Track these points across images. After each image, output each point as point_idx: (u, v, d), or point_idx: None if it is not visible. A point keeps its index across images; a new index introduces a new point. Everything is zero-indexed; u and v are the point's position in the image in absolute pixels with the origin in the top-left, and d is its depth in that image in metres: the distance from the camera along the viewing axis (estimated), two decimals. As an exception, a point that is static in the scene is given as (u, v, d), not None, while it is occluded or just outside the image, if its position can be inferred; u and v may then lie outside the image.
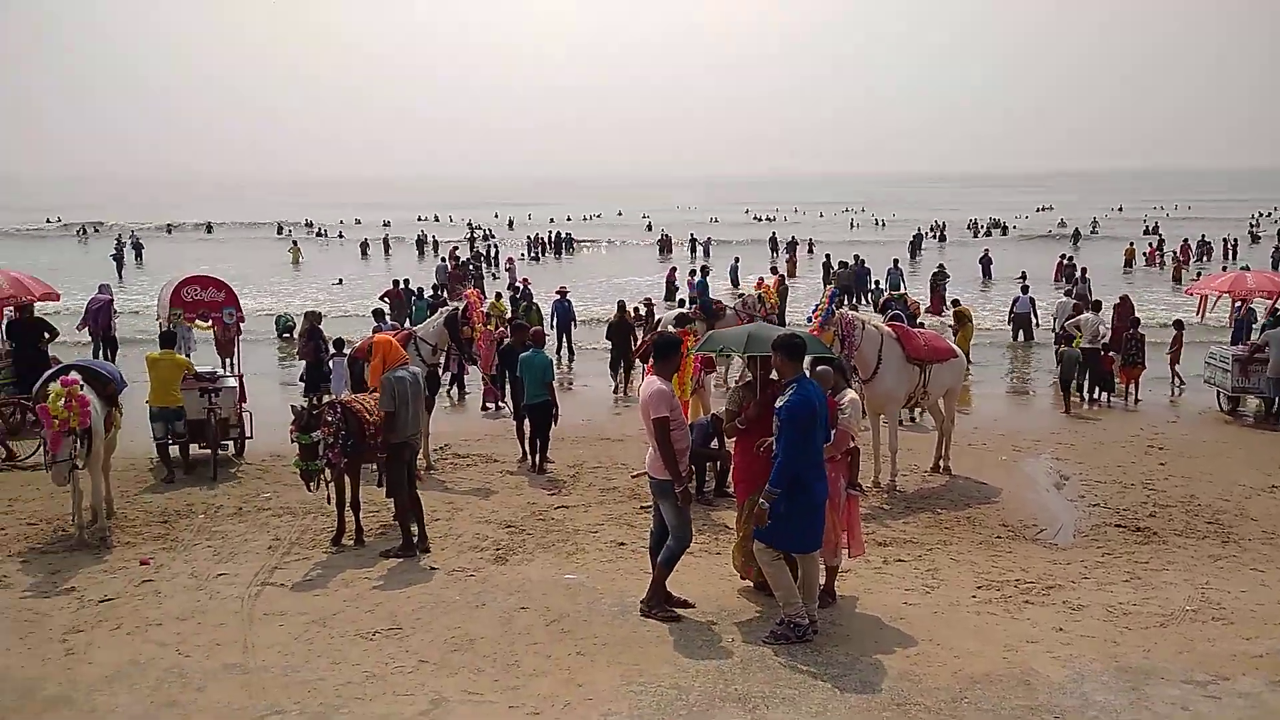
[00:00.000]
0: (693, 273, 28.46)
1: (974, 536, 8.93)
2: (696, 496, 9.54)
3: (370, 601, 7.15)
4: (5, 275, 14.02)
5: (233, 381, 12.49)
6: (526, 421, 11.47)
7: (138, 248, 47.27)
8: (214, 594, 7.32)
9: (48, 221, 75.82)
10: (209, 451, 11.21)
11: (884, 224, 70.68)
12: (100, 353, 17.57)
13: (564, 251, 53.57)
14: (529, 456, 11.46)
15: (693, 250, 52.25)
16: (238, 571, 7.81)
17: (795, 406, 6.22)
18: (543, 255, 51.28)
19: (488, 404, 15.43)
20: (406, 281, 24.58)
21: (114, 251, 42.24)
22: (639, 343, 15.60)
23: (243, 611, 6.96)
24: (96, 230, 68.03)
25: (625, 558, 8.16)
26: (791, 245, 45.24)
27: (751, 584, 7.24)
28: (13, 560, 8.12)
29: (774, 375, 6.92)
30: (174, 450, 11.23)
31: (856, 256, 31.45)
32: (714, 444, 10.08)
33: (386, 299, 22.51)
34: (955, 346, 12.03)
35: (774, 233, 52.96)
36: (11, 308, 13.86)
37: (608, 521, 9.24)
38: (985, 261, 35.14)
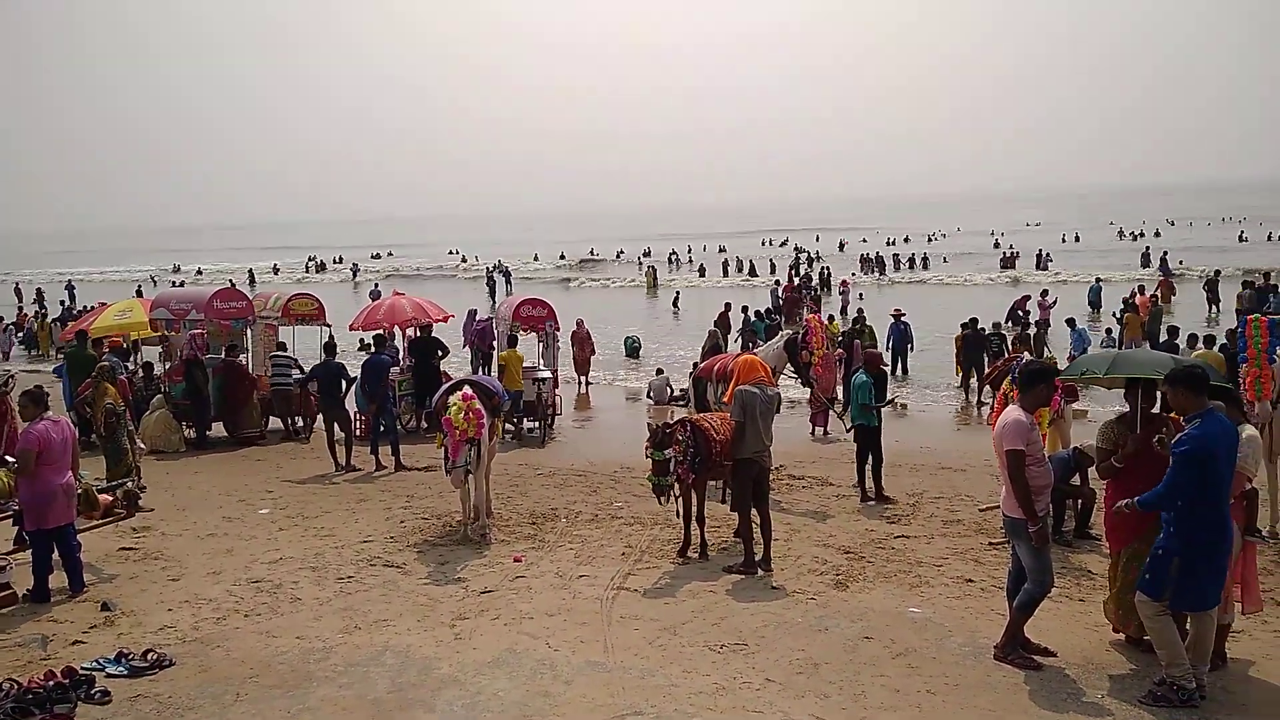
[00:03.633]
0: (1044, 293, 26.59)
1: None
2: (1054, 537, 8.89)
3: (716, 614, 7.38)
4: (409, 300, 16.31)
5: (548, 374, 15.93)
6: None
7: (506, 275, 52.68)
8: (576, 593, 7.92)
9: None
10: (538, 423, 15.26)
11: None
12: (480, 368, 19.75)
13: (895, 271, 52.16)
14: (861, 483, 11.20)
15: (1037, 266, 48.79)
16: (596, 574, 8.39)
17: (1192, 442, 5.60)
18: (873, 274, 50.32)
19: (816, 427, 15.40)
20: (745, 308, 25.11)
21: (486, 279, 47.60)
22: (989, 368, 14.81)
23: (602, 612, 7.46)
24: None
25: (974, 595, 7.77)
26: (1165, 263, 40.46)
27: (1125, 638, 6.61)
28: (411, 550, 9.29)
29: (1156, 409, 6.29)
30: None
31: (1268, 274, 27.28)
32: (1075, 480, 9.34)
33: (716, 321, 23.17)
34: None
35: (1147, 248, 47.75)
36: (414, 328, 16.03)
37: (953, 555, 8.85)
38: None
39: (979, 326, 18.91)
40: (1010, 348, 16.79)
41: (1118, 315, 23.76)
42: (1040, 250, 52.24)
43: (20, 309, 34.00)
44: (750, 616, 7.32)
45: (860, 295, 37.51)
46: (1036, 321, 24.66)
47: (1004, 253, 54.75)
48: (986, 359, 17.92)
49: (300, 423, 15.66)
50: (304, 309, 16.79)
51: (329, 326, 16.94)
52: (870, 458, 10.99)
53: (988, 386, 14.41)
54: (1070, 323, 20.70)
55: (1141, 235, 67.52)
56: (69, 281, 50.95)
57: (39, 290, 47.17)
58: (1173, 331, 17.77)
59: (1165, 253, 43.70)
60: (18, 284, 54.95)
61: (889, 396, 11.57)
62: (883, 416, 11.40)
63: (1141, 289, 26.18)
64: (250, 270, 65.36)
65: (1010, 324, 24.02)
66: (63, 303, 39.58)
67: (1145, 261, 44.35)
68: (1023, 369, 6.92)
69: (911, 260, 55.96)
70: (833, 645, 6.75)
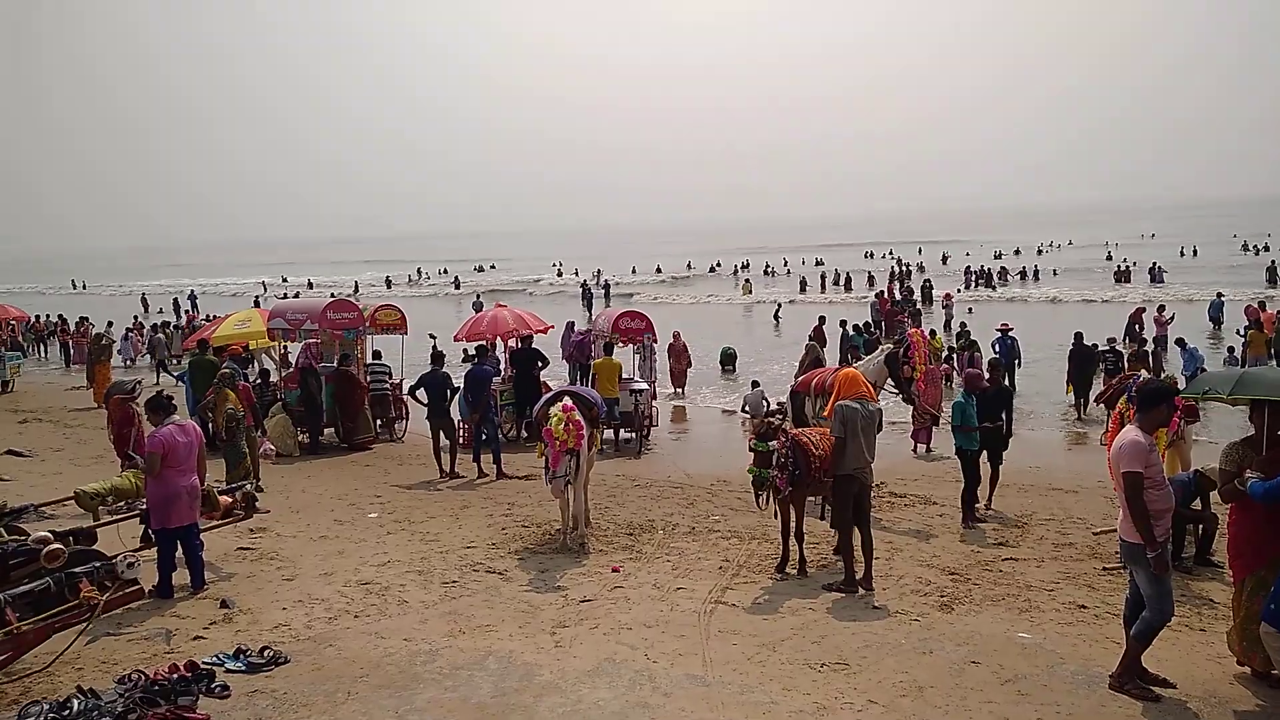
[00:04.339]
0: (1161, 308, 25.46)
1: None
2: (1175, 564, 8.50)
3: (816, 633, 7.30)
4: (510, 312, 16.66)
5: (645, 385, 16.33)
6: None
7: (606, 289, 53.21)
8: (674, 606, 7.93)
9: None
10: (635, 434, 15.51)
11: None
12: (578, 380, 19.97)
13: (1004, 284, 50.67)
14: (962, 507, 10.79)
15: (1152, 280, 46.79)
16: (694, 587, 8.39)
17: None
18: (979, 288, 49.04)
19: (919, 444, 15.07)
20: (842, 321, 24.79)
21: (583, 292, 48.14)
22: (1104, 386, 14.25)
23: (700, 626, 7.46)
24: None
25: (1087, 622, 7.49)
26: (1291, 275, 38.28)
27: (1250, 671, 6.28)
28: (512, 556, 9.46)
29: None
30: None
31: None
32: (1196, 505, 8.93)
33: (812, 335, 22.92)
34: None
35: (1273, 262, 45.19)
36: (515, 339, 16.35)
37: (1064, 580, 8.55)
38: None
39: (1086, 342, 18.30)
40: (1126, 365, 16.16)
41: (1241, 332, 22.59)
42: (1155, 264, 50.09)
43: (136, 319, 35.89)
44: (851, 636, 7.22)
45: (970, 310, 36.64)
46: (1154, 338, 23.61)
47: (1118, 266, 52.69)
48: (1103, 376, 17.30)
49: (398, 425, 16.68)
50: (388, 319, 17.40)
51: (405, 334, 17.70)
52: (971, 480, 10.67)
53: (1102, 405, 13.87)
54: (1180, 342, 19.77)
55: (1266, 249, 63.99)
56: (191, 292, 53.51)
57: (175, 300, 49.26)
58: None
59: (1291, 265, 41.41)
60: (144, 294, 58.03)
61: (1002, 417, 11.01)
62: (1000, 437, 10.96)
63: (1263, 305, 24.80)
64: (355, 282, 67.57)
65: (1127, 340, 23.07)
66: (186, 312, 41.64)
67: (1272, 278, 42.00)
68: (1140, 388, 6.68)
69: (1022, 273, 54.31)
70: (938, 668, 6.60)
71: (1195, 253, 65.32)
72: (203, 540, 8.58)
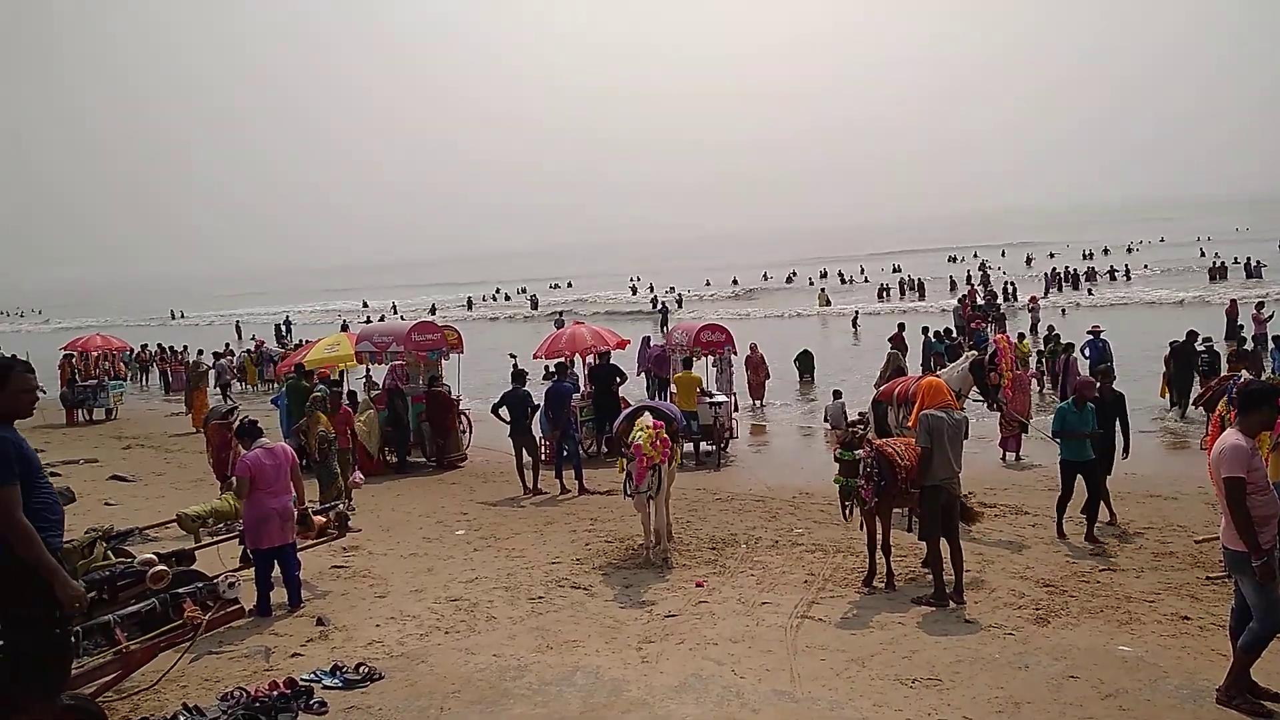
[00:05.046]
0: (1260, 305, 24.42)
1: None
2: (1283, 572, 8.14)
3: (907, 647, 7.18)
4: (588, 329, 16.85)
5: (724, 398, 16.31)
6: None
7: (679, 301, 53.39)
8: (760, 620, 7.88)
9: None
10: (714, 447, 15.56)
11: None
12: (656, 394, 20.05)
13: (1079, 286, 49.13)
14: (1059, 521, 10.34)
15: (1248, 276, 44.88)
16: (779, 602, 8.33)
17: None
18: (1064, 290, 47.70)
19: (1007, 452, 14.69)
20: (924, 328, 24.40)
21: (658, 309, 48.37)
22: (1203, 389, 13.71)
23: (786, 641, 7.40)
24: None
25: (1191, 634, 7.22)
26: None
27: (1371, 686, 5.98)
28: (596, 572, 9.51)
29: None
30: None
31: None
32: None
33: (892, 342, 22.56)
34: None
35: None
36: (593, 356, 16.50)
37: (1165, 591, 8.25)
38: None
39: (1178, 343, 17.70)
40: (1226, 365, 15.54)
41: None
42: (1250, 258, 48.00)
43: (227, 345, 37.20)
44: (943, 650, 7.07)
45: (1063, 312, 35.80)
46: (1254, 337, 22.63)
47: (1212, 263, 50.71)
48: (1199, 377, 16.65)
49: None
50: (448, 339, 17.53)
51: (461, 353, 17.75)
52: (1073, 493, 10.21)
53: (1200, 408, 13.35)
54: (1278, 339, 18.90)
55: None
56: (286, 317, 55.24)
57: (277, 326, 50.69)
58: None
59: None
60: (238, 321, 60.20)
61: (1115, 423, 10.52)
62: (1110, 449, 10.48)
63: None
64: (433, 304, 68.92)
65: (1228, 340, 22.18)
66: (281, 341, 43.03)
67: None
68: (1241, 389, 6.42)
69: (1111, 272, 52.68)
70: (1035, 684, 6.42)
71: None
72: (299, 559, 8.84)
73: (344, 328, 39.77)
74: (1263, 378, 11.26)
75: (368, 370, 17.40)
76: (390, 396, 15.80)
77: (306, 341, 24.26)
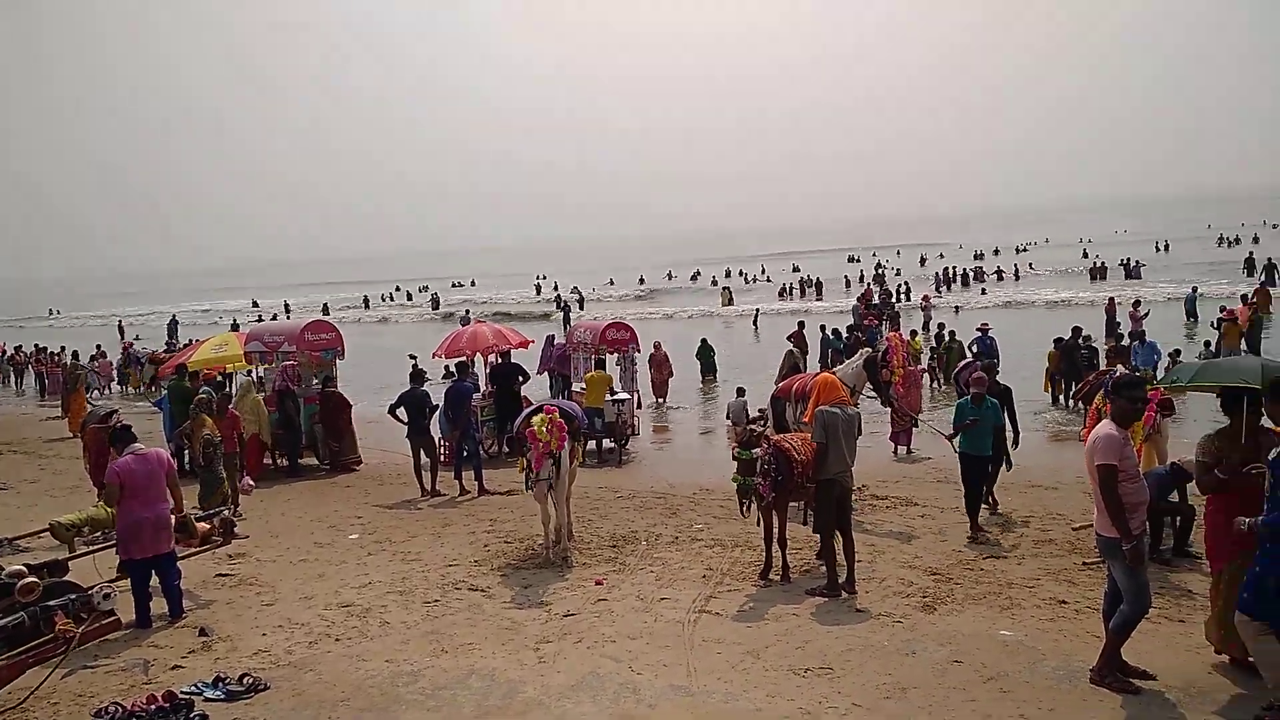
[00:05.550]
0: (1136, 303, 25.69)
1: None
2: (1152, 555, 8.56)
3: (800, 638, 7.29)
4: (490, 328, 16.64)
5: (627, 396, 16.43)
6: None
7: (581, 301, 53.26)
8: (658, 616, 7.90)
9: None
10: (616, 444, 15.74)
11: None
12: (560, 394, 19.93)
13: (969, 285, 51.06)
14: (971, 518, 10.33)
15: (1127, 276, 47.33)
16: (677, 597, 8.36)
17: None
18: (953, 289, 49.41)
19: (899, 446, 15.10)
20: (822, 326, 24.93)
21: (561, 306, 48.18)
22: (1081, 382, 14.33)
23: (684, 635, 7.43)
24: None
25: (1068, 617, 7.52)
26: (1270, 269, 38.78)
27: (1228, 660, 6.32)
28: (494, 573, 9.39)
29: (1265, 422, 6.04)
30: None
31: None
32: (1173, 497, 9.01)
33: (791, 339, 22.95)
34: None
35: (1250, 253, 45.79)
36: (495, 355, 16.32)
37: (1045, 576, 8.59)
38: None
39: (1064, 340, 18.50)
40: (1106, 360, 16.30)
41: (1215, 325, 22.87)
42: (1129, 259, 50.64)
43: (98, 346, 35.55)
44: (835, 640, 7.21)
45: (957, 309, 37.07)
46: (1130, 333, 23.83)
47: (1092, 263, 53.23)
48: (1078, 372, 17.46)
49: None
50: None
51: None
52: (974, 488, 10.26)
53: (1079, 401, 13.98)
54: (1138, 335, 20.02)
55: (1238, 242, 64.77)
56: (173, 317, 53.08)
57: (170, 325, 48.39)
58: None
59: (1270, 259, 41.84)
60: (120, 321, 57.58)
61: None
62: (999, 442, 10.60)
63: (1244, 299, 25.09)
64: (325, 304, 67.18)
65: (1108, 337, 23.31)
66: (169, 342, 41.33)
67: (1249, 269, 42.49)
68: (1113, 382, 6.72)
69: (999, 273, 54.78)
70: (921, 669, 6.60)
71: (1167, 247, 66.06)
72: (180, 569, 8.48)
73: (234, 327, 38.45)
74: (1136, 372, 11.85)
75: (258, 370, 16.79)
76: (281, 398, 15.30)
77: (196, 341, 23.30)
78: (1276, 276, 37.94)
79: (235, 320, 49.36)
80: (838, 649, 7.02)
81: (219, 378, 16.22)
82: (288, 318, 54.78)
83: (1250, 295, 27.38)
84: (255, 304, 75.07)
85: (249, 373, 16.30)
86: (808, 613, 7.87)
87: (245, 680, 6.76)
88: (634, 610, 8.09)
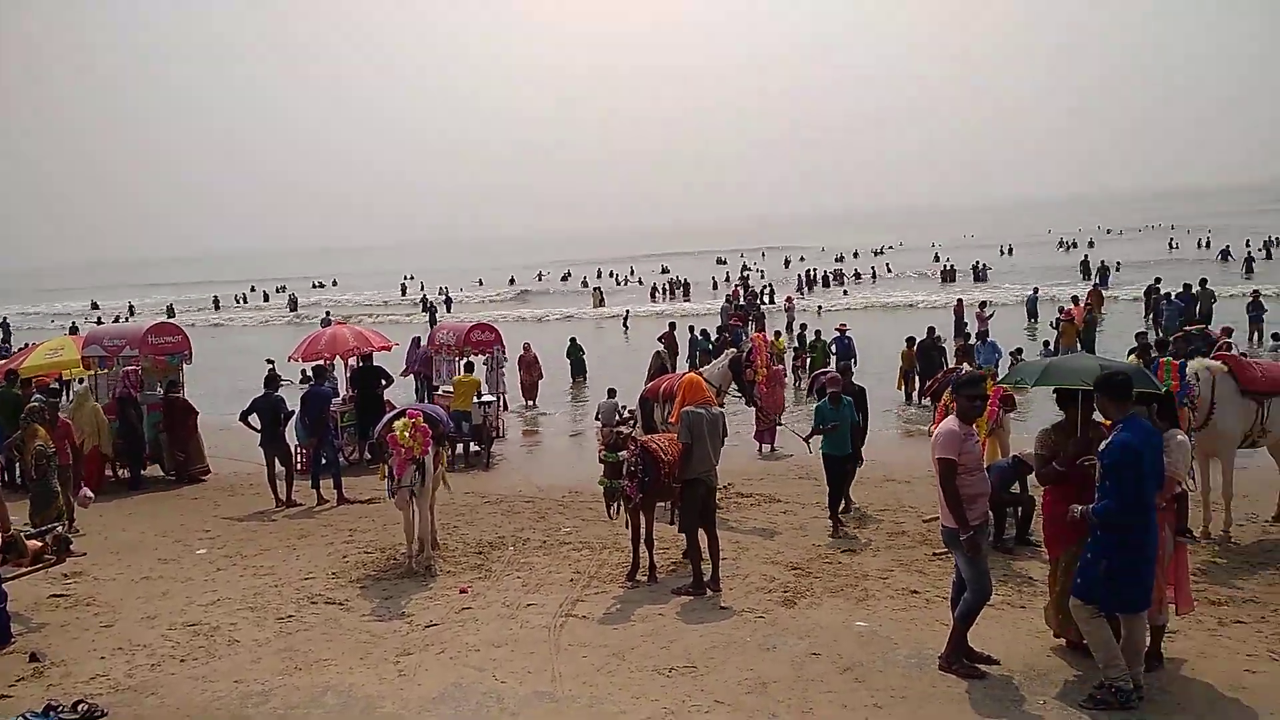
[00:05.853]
0: (982, 304, 27.06)
1: (1335, 599, 7.74)
2: (995, 544, 9.02)
3: (665, 638, 7.34)
4: (350, 330, 16.11)
5: (492, 398, 16.49)
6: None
7: (448, 301, 52.35)
8: (524, 623, 7.81)
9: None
10: (481, 447, 15.52)
11: (1207, 243, 61.92)
12: (425, 396, 19.51)
13: (829, 287, 52.86)
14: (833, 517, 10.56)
15: (975, 279, 49.94)
16: (544, 602, 8.30)
17: (1117, 450, 5.72)
18: (814, 290, 51.02)
19: (763, 444, 15.41)
20: (691, 327, 25.27)
21: (427, 305, 47.19)
22: (930, 381, 14.99)
23: (550, 641, 7.38)
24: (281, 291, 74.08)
25: (919, 607, 7.84)
26: (1104, 271, 41.72)
27: (1066, 643, 6.71)
28: (354, 585, 9.08)
29: (1096, 416, 6.44)
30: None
31: (1191, 285, 25.24)
32: (1015, 488, 9.51)
33: (662, 341, 23.17)
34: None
35: (1085, 256, 49.07)
36: (355, 358, 15.82)
37: (898, 568, 8.93)
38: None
39: (920, 340, 19.38)
40: (954, 359, 17.09)
41: (1054, 324, 24.33)
42: (978, 263, 53.40)
43: None
44: (699, 638, 7.30)
45: (820, 309, 38.20)
46: (977, 334, 25.11)
47: (943, 267, 55.85)
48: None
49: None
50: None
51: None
52: (837, 486, 10.57)
53: (928, 398, 14.60)
54: (980, 335, 21.27)
55: (1075, 246, 69.31)
56: (4, 319, 49.42)
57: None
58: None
59: (1103, 262, 44.89)
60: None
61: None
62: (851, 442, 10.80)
63: (1076, 300, 26.79)
64: (170, 305, 63.88)
65: (956, 337, 24.46)
66: (1, 346, 38.42)
67: (1085, 272, 45.45)
68: (955, 381, 7.06)
69: (857, 274, 56.84)
70: (780, 663, 6.75)
71: (1010, 251, 69.99)
72: (6, 590, 7.87)
73: (73, 330, 36.02)
74: (979, 369, 12.44)
75: (95, 377, 15.74)
76: (122, 405, 14.40)
77: (31, 345, 21.71)
78: (1109, 279, 40.76)
79: (74, 323, 46.28)
80: (702, 647, 7.11)
81: (53, 384, 15.17)
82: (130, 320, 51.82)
83: (1084, 296, 29.29)
84: (95, 305, 70.56)
85: (83, 380, 15.26)
86: (673, 612, 7.93)
87: (80, 707, 6.33)
88: (499, 618, 7.98)
